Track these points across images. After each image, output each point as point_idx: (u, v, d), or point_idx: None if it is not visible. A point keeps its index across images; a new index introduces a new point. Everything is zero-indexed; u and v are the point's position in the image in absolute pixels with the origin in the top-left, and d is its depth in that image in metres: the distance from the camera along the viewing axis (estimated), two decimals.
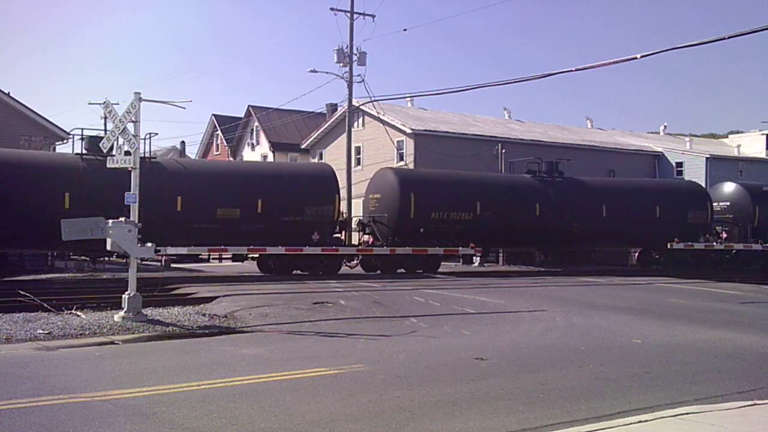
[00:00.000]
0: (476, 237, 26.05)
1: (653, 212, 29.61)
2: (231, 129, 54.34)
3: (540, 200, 27.71)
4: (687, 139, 51.61)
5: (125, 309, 12.77)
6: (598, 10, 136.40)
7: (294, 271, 22.82)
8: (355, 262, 25.20)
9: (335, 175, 24.77)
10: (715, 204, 32.20)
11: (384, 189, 25.97)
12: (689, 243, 30.84)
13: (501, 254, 33.47)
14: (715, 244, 31.28)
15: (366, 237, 26.06)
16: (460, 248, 26.23)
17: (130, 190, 13.14)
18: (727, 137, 61.03)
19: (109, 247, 13.03)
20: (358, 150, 39.99)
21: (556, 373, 8.97)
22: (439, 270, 27.64)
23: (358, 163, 39.44)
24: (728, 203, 32.95)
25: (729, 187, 33.72)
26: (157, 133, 22.29)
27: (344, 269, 24.57)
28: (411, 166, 36.34)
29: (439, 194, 26.04)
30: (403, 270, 24.82)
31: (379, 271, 24.50)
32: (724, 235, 31.75)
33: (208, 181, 22.28)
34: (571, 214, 27.96)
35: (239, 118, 54.36)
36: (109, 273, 23.06)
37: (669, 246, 30.31)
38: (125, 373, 8.71)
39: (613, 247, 31.89)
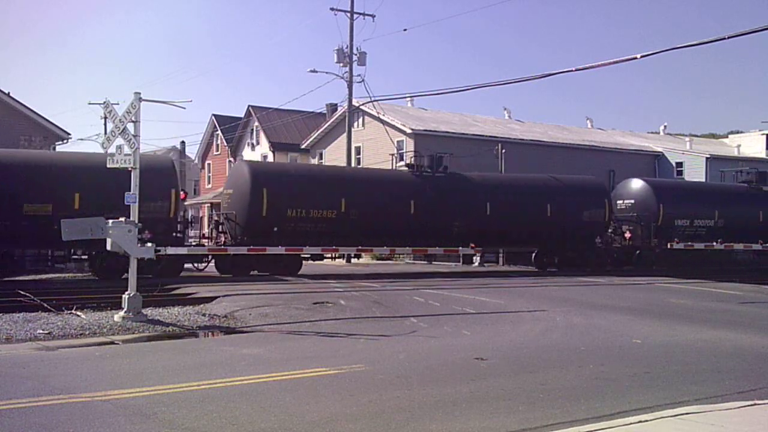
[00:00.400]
0: (342, 237, 24.13)
1: (544, 210, 27.34)
2: (231, 129, 54.34)
3: (415, 197, 25.39)
4: (687, 139, 51.66)
5: (125, 309, 12.77)
6: (598, 10, 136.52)
7: (123, 276, 20.32)
8: (204, 264, 23.30)
9: (174, 167, 22.76)
10: (620, 202, 30.61)
11: (236, 184, 23.78)
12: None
13: (501, 254, 33.43)
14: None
15: (221, 236, 24.06)
16: (461, 248, 26.14)
17: None
18: (727, 137, 61.07)
19: (109, 247, 13.05)
20: (358, 150, 40.03)
21: (556, 373, 8.97)
22: (438, 270, 27.54)
23: (359, 163, 39.47)
24: (633, 201, 30.55)
25: (635, 184, 31.24)
26: None
27: (202, 272, 23.01)
28: None
29: (298, 190, 23.73)
30: (256, 272, 23.00)
31: (231, 274, 22.54)
32: (628, 235, 29.59)
33: (14, 173, 20.02)
34: (451, 213, 25.85)
35: (239, 118, 54.36)
36: None
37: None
38: (125, 373, 8.71)
39: (499, 247, 28.98)
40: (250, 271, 23.04)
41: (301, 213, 23.41)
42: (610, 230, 29.79)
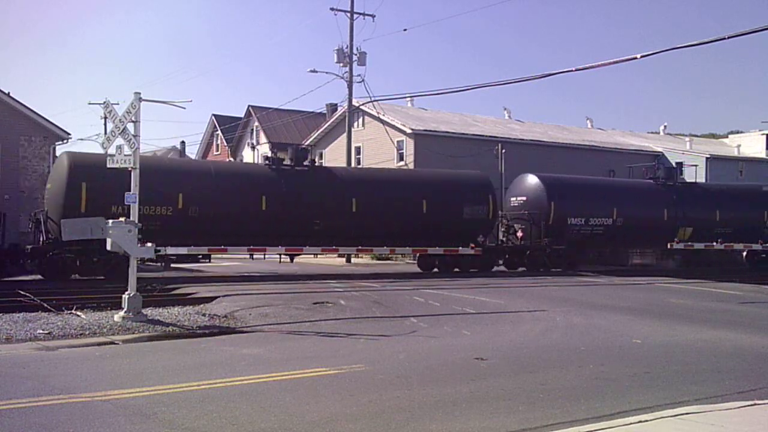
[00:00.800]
0: (181, 235, 21.80)
1: (419, 207, 25.30)
2: (231, 129, 54.38)
3: (268, 192, 23.25)
4: (687, 139, 51.68)
5: (125, 309, 12.77)
6: (598, 10, 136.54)
7: None
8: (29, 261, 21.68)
9: None
10: (513, 199, 28.85)
11: (55, 178, 21.43)
12: (692, 243, 30.29)
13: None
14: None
15: (39, 236, 21.80)
16: (460, 248, 26.04)
17: None
18: (727, 137, 61.09)
19: (109, 247, 13.05)
20: (358, 150, 40.04)
21: (556, 373, 8.97)
22: (436, 270, 27.45)
23: (359, 163, 39.46)
24: (525, 198, 28.41)
25: (528, 180, 28.87)
26: None
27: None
28: (411, 166, 36.37)
29: (124, 185, 21.15)
30: (77, 275, 21.15)
31: (40, 276, 20.88)
32: (520, 234, 27.84)
33: None
34: (311, 209, 23.74)
35: (239, 118, 54.39)
36: None
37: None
38: (125, 373, 8.71)
39: (369, 247, 25.94)
40: (71, 274, 21.04)
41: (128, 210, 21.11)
42: (502, 229, 28.36)
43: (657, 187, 31.39)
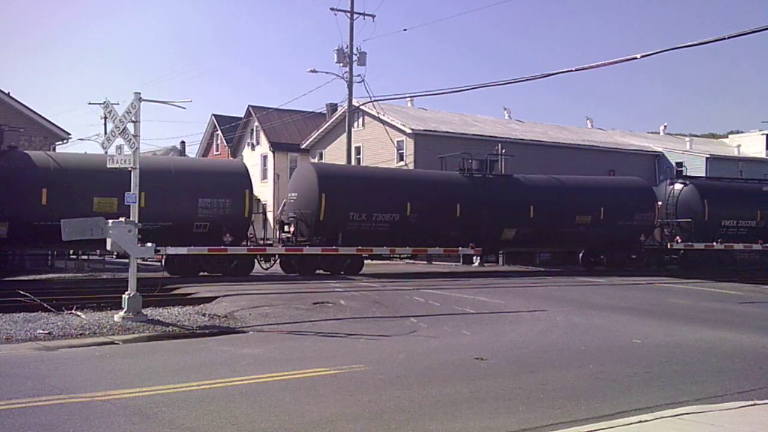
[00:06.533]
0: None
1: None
2: (231, 129, 54.32)
3: None
4: (687, 139, 51.67)
5: (125, 309, 12.77)
6: (598, 10, 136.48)
7: None
8: None
9: None
10: (291, 195, 25.93)
11: None
12: (692, 242, 30.42)
13: (501, 254, 33.34)
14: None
15: None
16: (460, 248, 26.10)
17: None
18: (727, 137, 61.04)
19: (109, 247, 13.05)
20: (358, 150, 40.03)
21: (556, 373, 8.98)
22: (439, 270, 27.51)
23: (359, 163, 39.46)
24: (296, 194, 25.56)
25: (303, 173, 26.09)
26: None
27: None
28: (411, 166, 36.34)
29: None
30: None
31: None
32: (293, 229, 25.03)
33: None
34: None
35: (239, 118, 54.34)
36: (109, 273, 23.05)
37: (670, 246, 30.00)
38: (125, 373, 8.72)
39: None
40: None
41: None
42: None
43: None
